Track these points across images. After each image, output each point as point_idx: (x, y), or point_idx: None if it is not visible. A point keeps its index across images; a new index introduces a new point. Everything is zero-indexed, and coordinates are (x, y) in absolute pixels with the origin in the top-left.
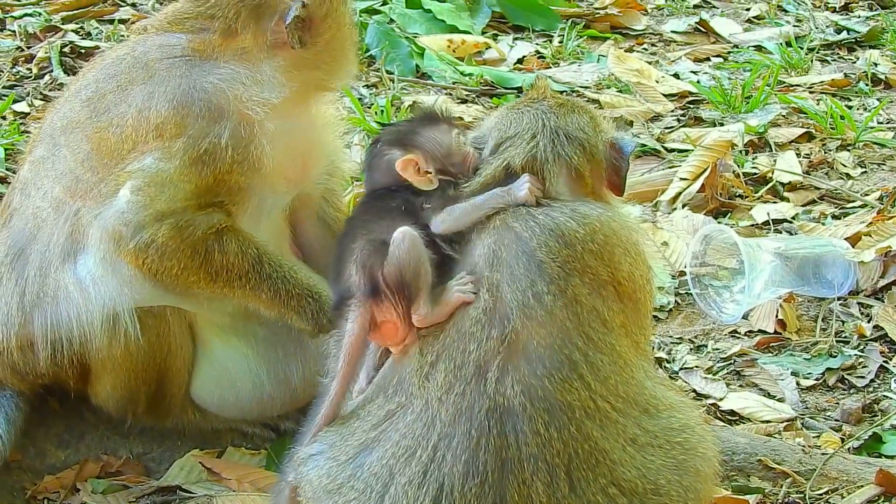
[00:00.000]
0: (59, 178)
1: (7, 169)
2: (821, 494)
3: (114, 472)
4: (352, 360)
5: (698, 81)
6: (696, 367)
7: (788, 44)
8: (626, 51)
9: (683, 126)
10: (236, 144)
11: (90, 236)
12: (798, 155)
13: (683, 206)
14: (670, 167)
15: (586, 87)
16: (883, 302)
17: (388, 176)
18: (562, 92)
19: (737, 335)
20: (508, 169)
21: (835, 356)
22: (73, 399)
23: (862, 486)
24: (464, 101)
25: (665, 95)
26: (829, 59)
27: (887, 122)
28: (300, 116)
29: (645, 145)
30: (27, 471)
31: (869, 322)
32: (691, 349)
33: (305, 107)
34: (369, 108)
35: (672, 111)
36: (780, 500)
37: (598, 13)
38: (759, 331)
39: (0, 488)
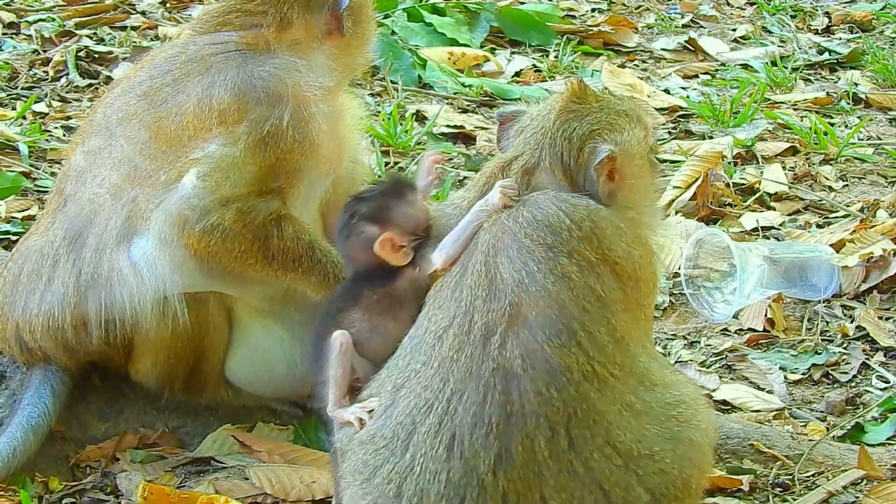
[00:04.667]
0: (117, 166)
1: (31, 165)
2: (808, 476)
3: (151, 443)
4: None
5: (688, 97)
6: (690, 360)
7: (774, 63)
8: (618, 66)
9: (675, 138)
10: (296, 125)
11: (151, 220)
12: (784, 167)
13: (676, 212)
14: (663, 177)
15: None
16: (865, 304)
17: (364, 251)
18: None
19: (728, 333)
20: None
21: (820, 353)
22: (114, 375)
23: (846, 470)
24: (465, 111)
25: (657, 109)
26: (812, 78)
27: (867, 139)
28: (337, 101)
29: None
30: (70, 441)
31: (852, 322)
32: (685, 345)
33: (341, 92)
34: (375, 115)
35: (664, 124)
36: (770, 482)
37: (592, 30)
38: (749, 329)
39: (46, 457)
